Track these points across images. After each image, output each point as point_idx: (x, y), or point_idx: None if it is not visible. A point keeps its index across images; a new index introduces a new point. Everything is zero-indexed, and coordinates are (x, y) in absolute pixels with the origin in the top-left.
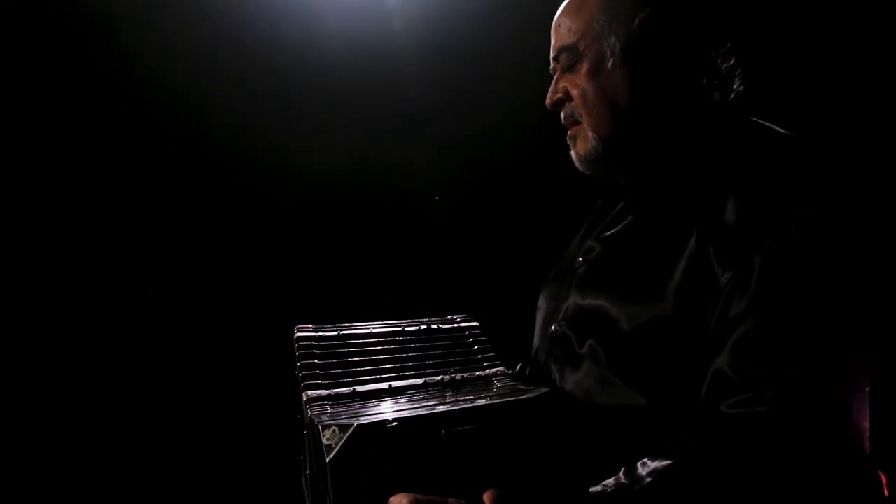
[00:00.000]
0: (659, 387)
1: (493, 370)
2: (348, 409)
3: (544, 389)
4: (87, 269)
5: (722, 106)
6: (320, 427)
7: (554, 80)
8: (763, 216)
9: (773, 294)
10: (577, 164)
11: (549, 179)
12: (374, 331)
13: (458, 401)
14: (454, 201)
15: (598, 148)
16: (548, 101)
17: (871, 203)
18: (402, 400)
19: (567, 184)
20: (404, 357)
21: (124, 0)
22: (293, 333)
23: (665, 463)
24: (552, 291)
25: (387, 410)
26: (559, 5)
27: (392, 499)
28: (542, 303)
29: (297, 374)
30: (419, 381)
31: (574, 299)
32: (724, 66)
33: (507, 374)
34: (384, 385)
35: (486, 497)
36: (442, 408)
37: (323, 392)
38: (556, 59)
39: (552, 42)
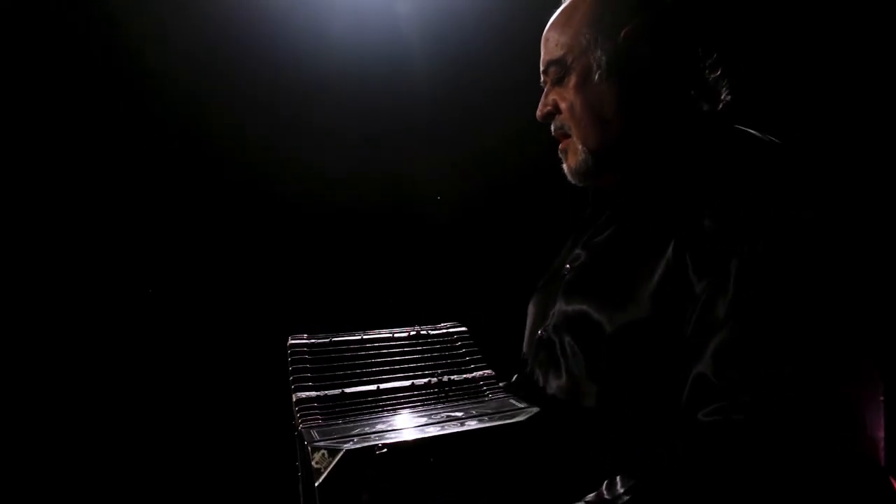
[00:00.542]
0: (639, 390)
1: (481, 372)
2: (339, 422)
3: (534, 410)
4: (87, 268)
5: (709, 116)
6: (309, 448)
7: (544, 93)
8: (739, 222)
9: (751, 299)
10: (569, 177)
11: (544, 188)
12: (365, 337)
13: (448, 417)
14: (450, 210)
15: (587, 161)
16: (538, 113)
17: (848, 207)
18: (392, 407)
19: (561, 193)
20: (393, 360)
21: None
22: (287, 341)
23: (643, 476)
24: (541, 298)
25: (379, 424)
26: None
27: None
28: (531, 309)
29: (290, 379)
30: (407, 382)
31: (560, 305)
32: (712, 76)
33: (494, 378)
34: (372, 387)
35: None
36: (432, 430)
37: (312, 394)
38: (545, 72)
39: (542, 56)
